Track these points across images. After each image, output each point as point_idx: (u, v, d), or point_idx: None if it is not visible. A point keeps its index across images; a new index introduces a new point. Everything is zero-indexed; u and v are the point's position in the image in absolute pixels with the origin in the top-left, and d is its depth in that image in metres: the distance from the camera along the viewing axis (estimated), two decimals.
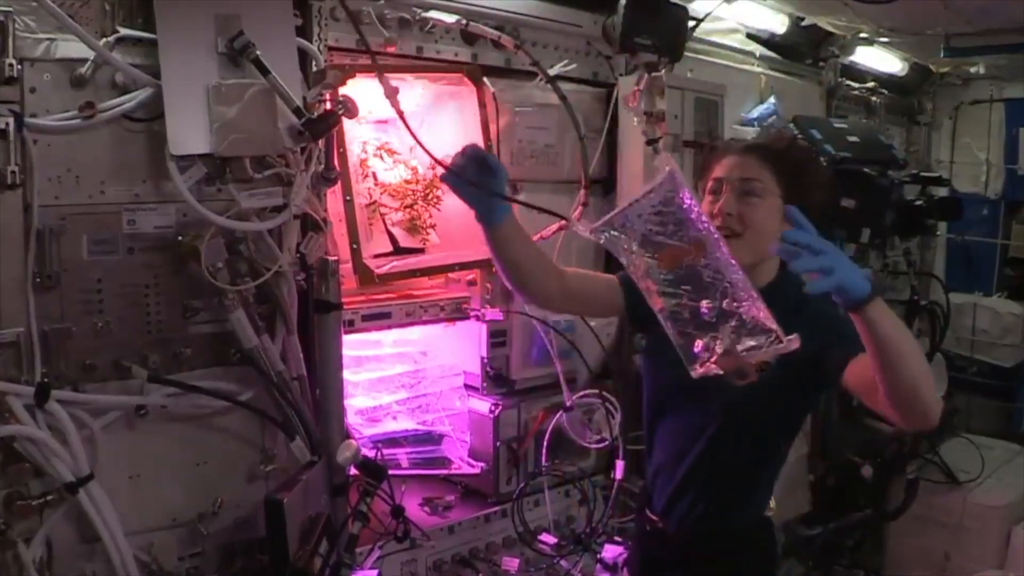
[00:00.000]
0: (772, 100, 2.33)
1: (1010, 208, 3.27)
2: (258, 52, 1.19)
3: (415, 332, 1.66)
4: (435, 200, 1.66)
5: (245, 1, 1.21)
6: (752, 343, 0.97)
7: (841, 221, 2.29)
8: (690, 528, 1.29)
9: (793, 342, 0.94)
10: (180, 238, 1.22)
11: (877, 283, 1.01)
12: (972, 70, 3.07)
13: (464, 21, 1.57)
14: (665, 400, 1.31)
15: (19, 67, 1.07)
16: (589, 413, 1.76)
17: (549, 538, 1.67)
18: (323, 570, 1.26)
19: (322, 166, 1.33)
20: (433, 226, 1.66)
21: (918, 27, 2.51)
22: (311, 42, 1.33)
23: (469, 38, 1.60)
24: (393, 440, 1.65)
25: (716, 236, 1.00)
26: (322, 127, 1.24)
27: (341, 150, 1.44)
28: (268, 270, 1.26)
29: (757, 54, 2.39)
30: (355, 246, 1.45)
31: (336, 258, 1.36)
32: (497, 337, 1.69)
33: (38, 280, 1.11)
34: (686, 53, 1.84)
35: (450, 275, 1.66)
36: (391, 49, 1.47)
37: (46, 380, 1.10)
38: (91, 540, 1.15)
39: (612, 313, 1.36)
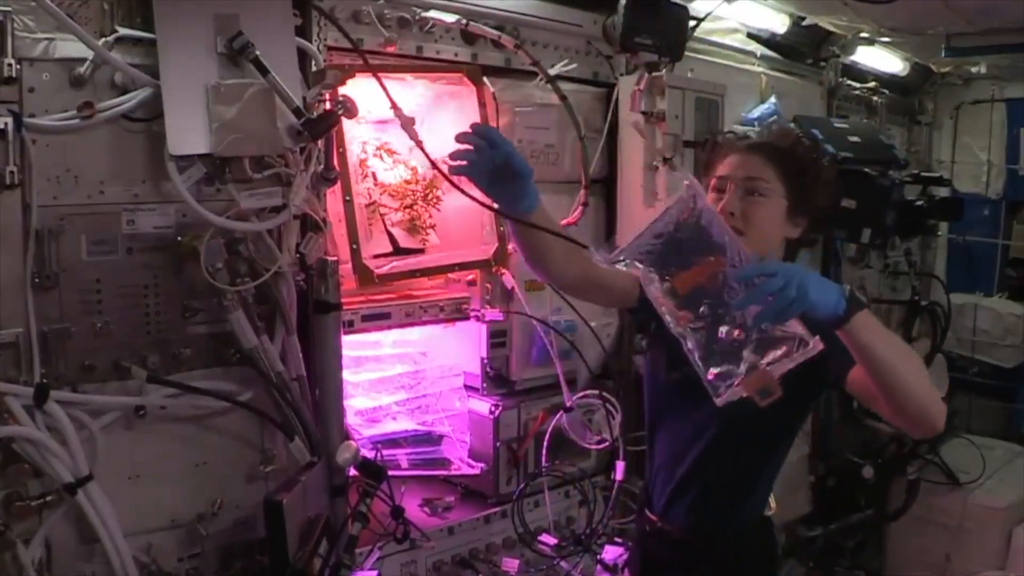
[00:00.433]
0: (773, 100, 2.33)
1: (1011, 208, 3.26)
2: (257, 52, 1.19)
3: (415, 332, 1.66)
4: (435, 200, 1.65)
5: (244, 1, 1.21)
6: (777, 353, 0.94)
7: (842, 221, 2.29)
8: (690, 529, 1.29)
9: (818, 343, 0.92)
10: (179, 238, 1.22)
11: (855, 298, 0.97)
12: (973, 70, 3.06)
13: (464, 21, 1.57)
14: (665, 401, 1.31)
15: (18, 67, 1.07)
16: (589, 414, 1.76)
17: (549, 539, 1.67)
18: (323, 571, 1.25)
19: (322, 166, 1.33)
20: (433, 226, 1.66)
21: (919, 27, 2.50)
22: (310, 42, 1.33)
23: (469, 38, 1.60)
24: (393, 441, 1.65)
25: (734, 239, 0.98)
26: (321, 127, 1.24)
27: (341, 150, 1.44)
28: (267, 270, 1.26)
29: (758, 54, 2.38)
30: (355, 246, 1.45)
31: (336, 258, 1.36)
32: (497, 337, 1.69)
33: (37, 280, 1.11)
34: (686, 53, 1.84)
35: (450, 275, 1.66)
36: (391, 49, 1.47)
37: (45, 381, 1.10)
38: (90, 541, 1.15)
39: (623, 304, 1.35)
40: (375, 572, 1.43)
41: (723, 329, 0.97)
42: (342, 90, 1.31)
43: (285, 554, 1.18)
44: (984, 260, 3.28)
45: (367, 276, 1.45)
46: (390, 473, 1.40)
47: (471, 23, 1.57)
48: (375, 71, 1.25)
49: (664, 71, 1.76)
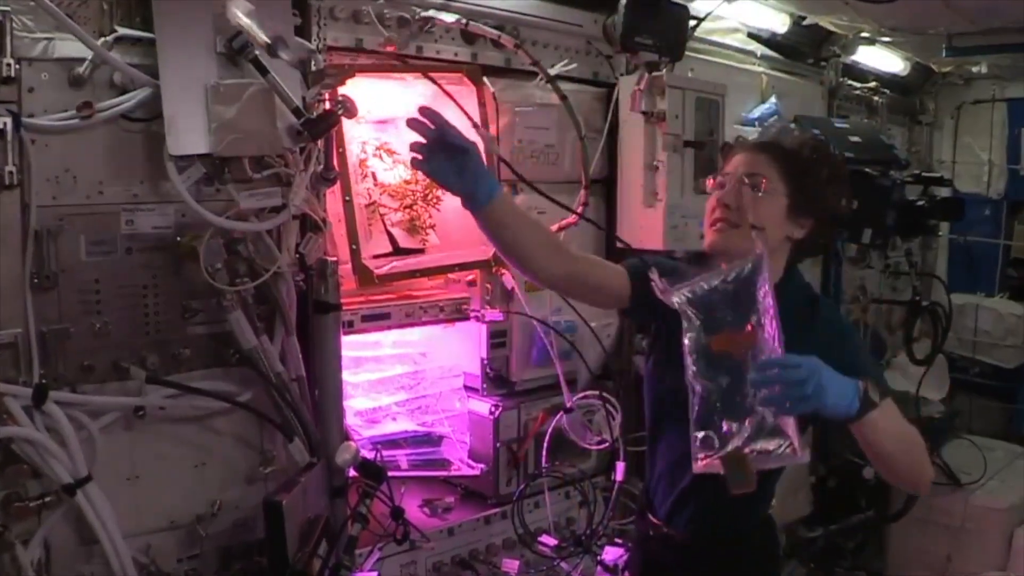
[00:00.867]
0: (773, 100, 2.32)
1: (1012, 208, 3.26)
2: (257, 52, 1.18)
3: (415, 333, 1.66)
4: (435, 200, 1.65)
5: (244, 1, 1.20)
6: (765, 446, 0.97)
7: (843, 221, 2.28)
8: (693, 534, 1.28)
9: (805, 456, 0.97)
10: (179, 238, 1.22)
11: (868, 399, 1.00)
12: (974, 70, 3.05)
13: (464, 20, 1.56)
14: (667, 407, 1.30)
15: (17, 67, 1.07)
16: (589, 414, 1.76)
17: (549, 540, 1.66)
18: (322, 572, 1.25)
19: (321, 166, 1.33)
20: (433, 226, 1.65)
21: (920, 26, 2.50)
22: (310, 42, 1.33)
23: (469, 37, 1.60)
24: (392, 441, 1.64)
25: (777, 323, 0.99)
26: (321, 127, 1.24)
27: (340, 150, 1.43)
28: (267, 271, 1.26)
29: (758, 54, 2.38)
30: (354, 247, 1.45)
31: (335, 259, 1.36)
32: (497, 338, 1.69)
33: (36, 281, 1.11)
34: (687, 53, 1.83)
35: (450, 276, 1.65)
36: (390, 49, 1.47)
37: (44, 381, 1.10)
38: (89, 542, 1.15)
39: (616, 304, 1.32)
40: (375, 573, 1.42)
41: (729, 400, 0.99)
42: (341, 90, 1.30)
43: (284, 555, 1.18)
44: (985, 260, 3.28)
45: (367, 276, 1.45)
46: (390, 474, 1.40)
47: (471, 23, 1.57)
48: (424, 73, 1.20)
49: (664, 71, 1.76)
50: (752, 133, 2.21)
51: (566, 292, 1.41)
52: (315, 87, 1.29)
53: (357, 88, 1.36)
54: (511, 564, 1.64)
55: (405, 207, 1.63)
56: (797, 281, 1.29)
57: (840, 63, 2.67)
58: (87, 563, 1.16)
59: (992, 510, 2.63)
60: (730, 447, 0.99)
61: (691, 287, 1.04)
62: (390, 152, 1.65)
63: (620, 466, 1.74)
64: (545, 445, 1.70)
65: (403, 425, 1.65)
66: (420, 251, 1.62)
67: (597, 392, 1.73)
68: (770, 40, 2.43)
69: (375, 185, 1.61)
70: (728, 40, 2.26)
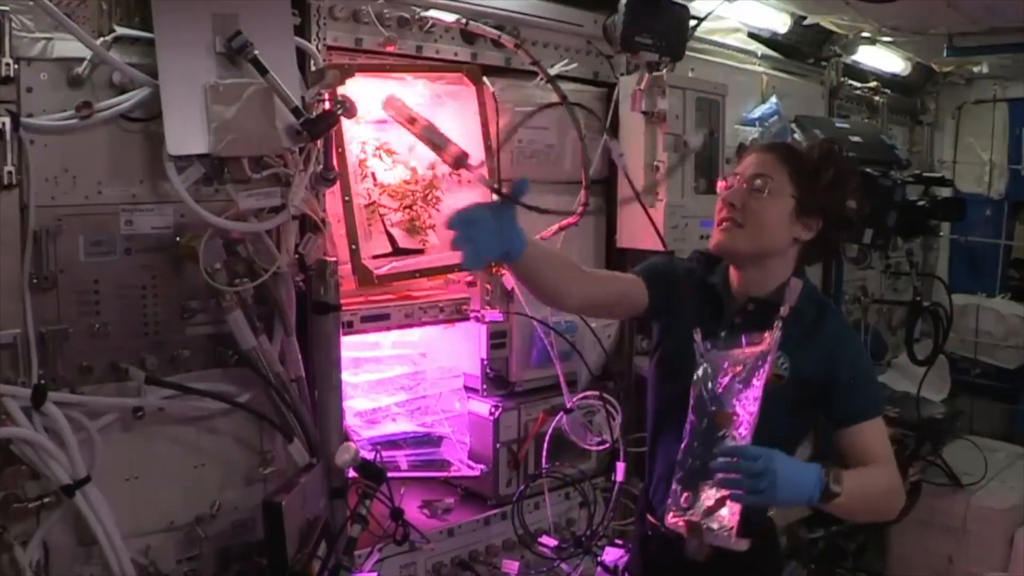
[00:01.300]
0: (774, 100, 2.32)
1: (1014, 209, 3.25)
2: (256, 51, 1.18)
3: (414, 333, 1.66)
4: (434, 201, 1.65)
5: (243, 0, 1.20)
6: (710, 524, 1.09)
7: (851, 224, 2.27)
8: None
9: (741, 545, 1.06)
10: (178, 239, 1.22)
11: (829, 492, 1.06)
12: (975, 70, 3.05)
13: (464, 20, 1.56)
14: (669, 410, 1.30)
15: (15, 66, 1.07)
16: (590, 415, 1.76)
17: (549, 541, 1.66)
18: (322, 573, 1.25)
19: (321, 166, 1.32)
20: (432, 227, 1.65)
21: (921, 26, 2.49)
22: (309, 41, 1.33)
23: (469, 37, 1.59)
24: (392, 442, 1.64)
25: (751, 421, 1.09)
26: (321, 127, 1.23)
27: (340, 150, 1.43)
28: (266, 271, 1.25)
29: (759, 53, 2.38)
30: (354, 247, 1.44)
31: (335, 259, 1.36)
32: (497, 338, 1.68)
33: (35, 281, 1.11)
34: (687, 52, 1.83)
35: (449, 276, 1.65)
36: (390, 48, 1.46)
37: (43, 382, 1.10)
38: (88, 543, 1.15)
39: (635, 313, 1.34)
40: (374, 574, 1.42)
41: (702, 461, 1.11)
42: (341, 90, 1.30)
43: (284, 556, 1.18)
44: (986, 261, 3.27)
45: (366, 277, 1.45)
46: (389, 475, 1.39)
47: (471, 22, 1.57)
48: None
49: (665, 71, 1.75)
50: (753, 133, 2.20)
51: (591, 313, 1.48)
52: (314, 87, 1.29)
53: (357, 88, 1.35)
54: (511, 565, 1.63)
55: (405, 207, 1.62)
56: (807, 291, 1.26)
57: (841, 63, 2.66)
58: (86, 564, 1.16)
59: (993, 511, 2.62)
60: (689, 514, 1.11)
61: (729, 353, 1.15)
62: (390, 152, 1.64)
63: (620, 467, 1.73)
64: (545, 446, 1.69)
65: (403, 426, 1.65)
66: (420, 251, 1.62)
67: (597, 393, 1.72)
68: (771, 40, 2.42)
69: (375, 185, 1.61)
70: (729, 40, 2.26)
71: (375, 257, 1.53)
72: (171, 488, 1.24)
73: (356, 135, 1.59)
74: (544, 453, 1.69)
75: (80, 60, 1.12)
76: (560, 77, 1.67)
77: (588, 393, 1.74)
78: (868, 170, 2.37)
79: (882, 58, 2.85)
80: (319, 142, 1.29)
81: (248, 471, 1.32)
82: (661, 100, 1.74)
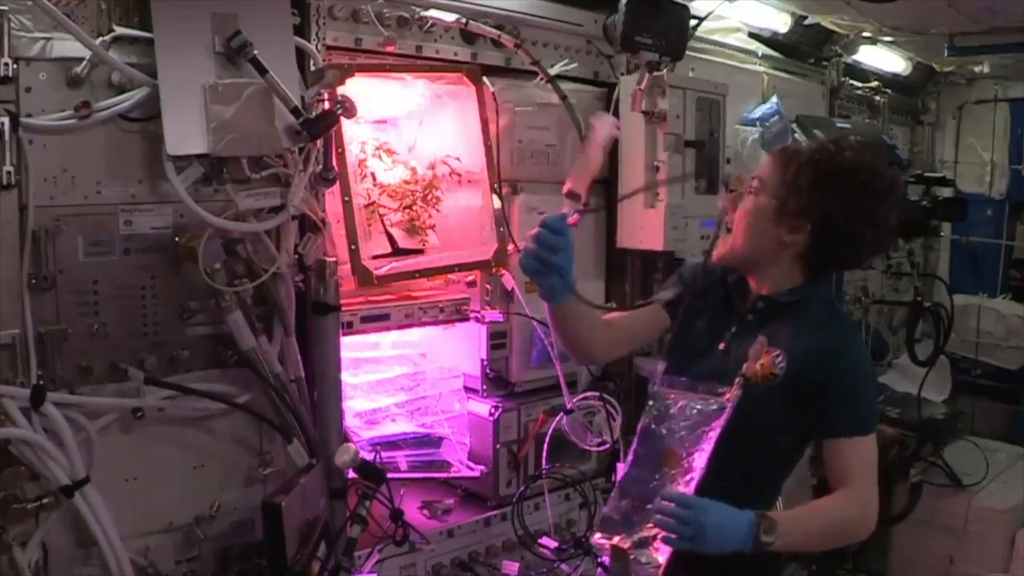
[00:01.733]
0: (774, 100, 2.31)
1: (1015, 209, 3.24)
2: (256, 51, 1.18)
3: (414, 334, 1.65)
4: (434, 201, 1.65)
5: (242, 0, 1.20)
6: (639, 557, 1.11)
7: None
8: None
9: None
10: (177, 239, 1.21)
11: (759, 543, 1.09)
12: (976, 69, 3.04)
13: (464, 20, 1.56)
14: None
15: (14, 66, 1.06)
16: (590, 415, 1.75)
17: (549, 542, 1.66)
18: (321, 574, 1.25)
19: (320, 166, 1.32)
20: (432, 227, 1.65)
21: (922, 26, 2.49)
22: (309, 41, 1.32)
23: (469, 37, 1.59)
24: (392, 443, 1.63)
25: (697, 473, 1.13)
26: (320, 127, 1.23)
27: (339, 150, 1.43)
28: (266, 271, 1.25)
29: (759, 53, 2.37)
30: (353, 247, 1.44)
31: (334, 259, 1.36)
32: (497, 339, 1.68)
33: (34, 281, 1.10)
34: (688, 52, 1.83)
35: (449, 276, 1.65)
36: (390, 48, 1.46)
37: (41, 382, 1.09)
38: (87, 544, 1.15)
39: (660, 334, 1.40)
40: (374, 575, 1.42)
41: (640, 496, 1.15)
42: (341, 89, 1.30)
43: (283, 557, 1.18)
44: (987, 261, 3.26)
45: (366, 277, 1.45)
46: (389, 475, 1.39)
47: (471, 22, 1.56)
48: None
49: (665, 71, 1.75)
50: (753, 133, 2.20)
51: (622, 355, 1.55)
52: (314, 87, 1.29)
53: (356, 88, 1.35)
54: (511, 566, 1.63)
55: (404, 207, 1.62)
56: (813, 293, 1.24)
57: (842, 63, 2.66)
58: (85, 565, 1.16)
59: (994, 512, 2.62)
60: (619, 539, 1.13)
61: (671, 383, 1.20)
62: (389, 152, 1.64)
63: (620, 468, 1.73)
64: (545, 446, 1.69)
65: (402, 426, 1.64)
66: (420, 252, 1.61)
67: (597, 393, 1.72)
68: (771, 40, 2.42)
69: (374, 185, 1.61)
70: (729, 40, 2.25)
71: (375, 257, 1.53)
72: (170, 489, 1.24)
73: (356, 135, 1.59)
74: (544, 454, 1.69)
75: (79, 60, 1.11)
76: (560, 77, 1.67)
77: (588, 394, 1.73)
78: None
79: (883, 58, 2.84)
80: (319, 142, 1.28)
81: (247, 472, 1.32)
82: (661, 100, 1.74)
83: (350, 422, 1.54)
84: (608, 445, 1.74)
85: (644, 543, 1.11)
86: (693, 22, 1.89)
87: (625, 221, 1.85)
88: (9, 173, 1.06)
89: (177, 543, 1.25)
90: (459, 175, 1.67)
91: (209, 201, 1.22)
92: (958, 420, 3.00)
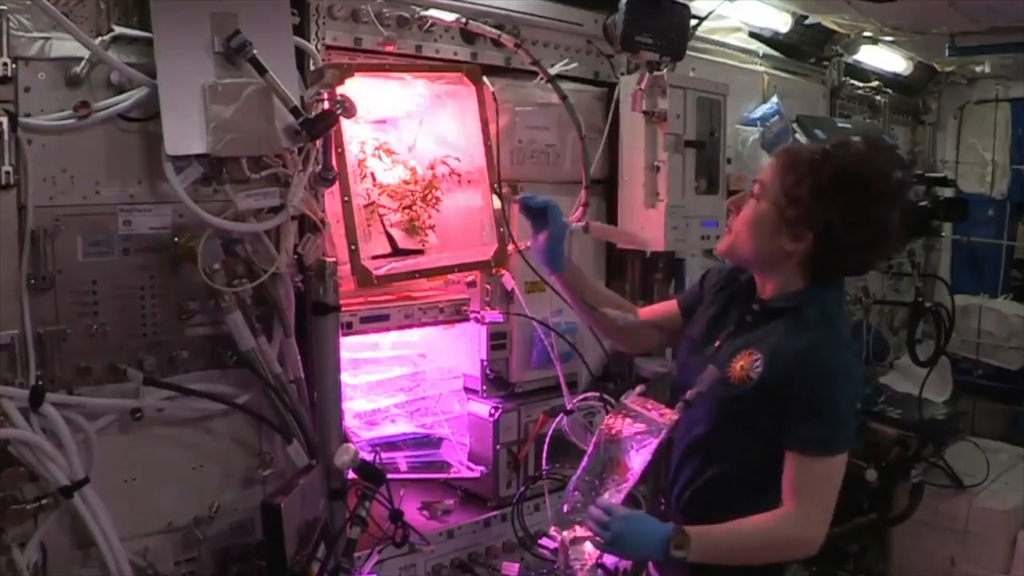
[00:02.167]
0: (775, 100, 2.31)
1: (1016, 209, 3.23)
2: (255, 51, 1.18)
3: (414, 334, 1.65)
4: (434, 201, 1.64)
5: (242, 0, 1.20)
6: (572, 555, 1.24)
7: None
8: (684, 513, 1.27)
9: None
10: (176, 239, 1.21)
11: (671, 559, 1.14)
12: (978, 69, 3.04)
13: (464, 20, 1.56)
14: (680, 388, 1.33)
15: (13, 66, 1.06)
16: (590, 416, 1.74)
17: (549, 543, 1.65)
18: (321, 575, 1.24)
19: (320, 166, 1.32)
20: (432, 227, 1.64)
21: (923, 26, 2.49)
22: (309, 41, 1.32)
23: (469, 37, 1.59)
24: (392, 444, 1.63)
25: (628, 485, 1.24)
26: (320, 127, 1.23)
27: (339, 150, 1.43)
28: (265, 271, 1.25)
29: (760, 53, 2.37)
30: (353, 247, 1.44)
31: (334, 259, 1.35)
32: (497, 339, 1.68)
33: (32, 282, 1.10)
34: (688, 52, 1.82)
35: (449, 277, 1.64)
36: (390, 48, 1.46)
37: (40, 383, 1.09)
38: (86, 545, 1.14)
39: (676, 329, 1.44)
40: None
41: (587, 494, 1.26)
42: (340, 89, 1.29)
43: (283, 558, 1.17)
44: (989, 261, 3.25)
45: (366, 277, 1.44)
46: (389, 476, 1.38)
47: (471, 22, 1.56)
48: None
49: (665, 70, 1.75)
50: (754, 133, 2.20)
51: (651, 344, 1.60)
52: (313, 87, 1.29)
53: (356, 88, 1.35)
54: (511, 567, 1.63)
55: (404, 208, 1.62)
56: (812, 299, 1.20)
57: (842, 62, 2.65)
58: (84, 566, 1.15)
59: (996, 512, 2.61)
60: (567, 537, 1.24)
61: (635, 412, 1.29)
62: (389, 152, 1.64)
63: None
64: (545, 447, 1.68)
65: (402, 427, 1.64)
66: (419, 252, 1.61)
67: (598, 394, 1.71)
68: (772, 39, 2.42)
69: (374, 185, 1.60)
70: (730, 39, 2.25)
71: (374, 257, 1.52)
72: (169, 490, 1.24)
73: (355, 135, 1.59)
74: (544, 454, 1.69)
75: (78, 60, 1.11)
76: (560, 77, 1.67)
77: (588, 394, 1.73)
78: None
79: (884, 58, 2.84)
80: (318, 142, 1.28)
81: (247, 472, 1.31)
82: (662, 100, 1.74)
83: (350, 423, 1.53)
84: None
85: (577, 542, 1.24)
86: (693, 22, 1.89)
87: (625, 221, 1.85)
88: (8, 173, 1.06)
89: (176, 544, 1.25)
90: (459, 175, 1.66)
91: (208, 201, 1.21)
92: (959, 421, 2.99)
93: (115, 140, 1.16)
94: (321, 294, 1.33)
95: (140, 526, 1.21)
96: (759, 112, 2.29)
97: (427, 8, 1.50)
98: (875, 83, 2.89)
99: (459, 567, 1.60)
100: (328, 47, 1.37)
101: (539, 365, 1.73)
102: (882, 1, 2.02)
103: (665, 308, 1.47)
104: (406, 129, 1.70)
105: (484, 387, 1.70)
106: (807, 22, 2.42)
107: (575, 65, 1.71)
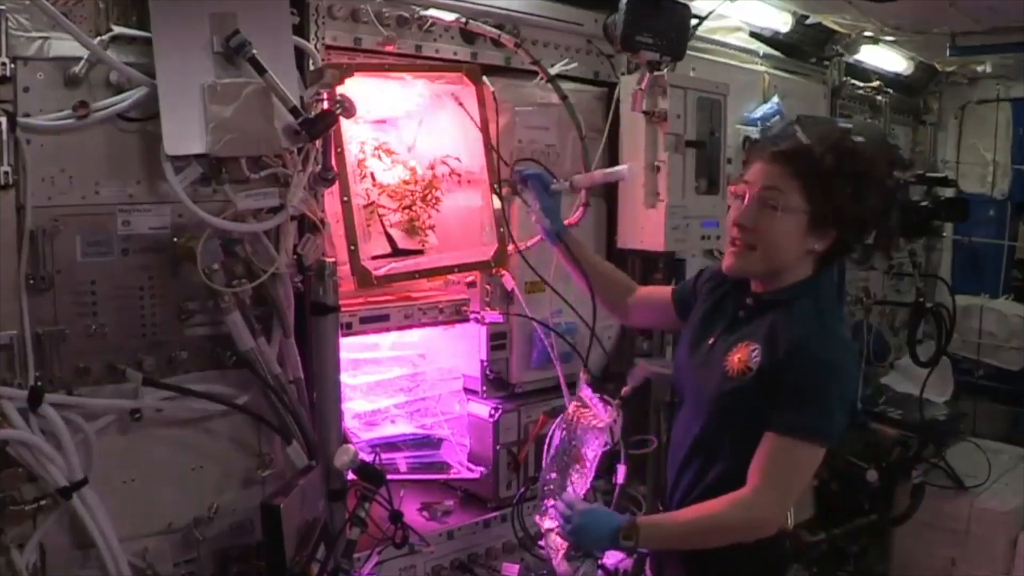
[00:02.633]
0: (776, 99, 2.31)
1: (1017, 209, 3.23)
2: (254, 51, 1.18)
3: (414, 335, 1.65)
4: (434, 201, 1.64)
5: (241, 0, 1.20)
6: (544, 543, 1.36)
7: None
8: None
9: (562, 566, 1.30)
10: (175, 239, 1.21)
11: (623, 546, 1.22)
12: (979, 69, 3.03)
13: (463, 19, 1.55)
14: (678, 385, 1.36)
15: (12, 66, 1.06)
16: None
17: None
18: None
19: (319, 166, 1.32)
20: (432, 227, 1.64)
21: (924, 26, 2.48)
22: (308, 40, 1.32)
23: (468, 37, 1.59)
24: (391, 444, 1.63)
25: (587, 480, 1.40)
26: (319, 127, 1.23)
27: (339, 150, 1.42)
28: (265, 272, 1.25)
29: (760, 53, 2.37)
30: (353, 247, 1.44)
31: (334, 260, 1.35)
32: (497, 340, 1.68)
33: (31, 282, 1.10)
34: (688, 52, 1.82)
35: (449, 277, 1.64)
36: (389, 48, 1.46)
37: (39, 383, 1.09)
38: (85, 546, 1.14)
39: (675, 314, 1.46)
40: None
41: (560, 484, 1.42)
42: (340, 89, 1.29)
43: (282, 559, 1.17)
44: (989, 261, 3.25)
45: (365, 277, 1.44)
46: (389, 477, 1.38)
47: (470, 22, 1.56)
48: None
49: (666, 70, 1.74)
50: (754, 133, 2.19)
51: (645, 321, 1.65)
52: (313, 86, 1.28)
53: (356, 87, 1.35)
54: (511, 568, 1.62)
55: (404, 208, 1.62)
56: (806, 290, 1.22)
57: (843, 62, 2.65)
58: (83, 567, 1.15)
59: (997, 513, 2.61)
60: (544, 524, 1.37)
61: (591, 404, 1.42)
62: (389, 152, 1.64)
63: (621, 469, 1.71)
64: (545, 448, 1.68)
65: (402, 428, 1.64)
66: (419, 252, 1.61)
67: (598, 395, 1.71)
68: (772, 39, 2.41)
69: (374, 185, 1.60)
70: (730, 39, 2.25)
71: (374, 258, 1.52)
72: (169, 490, 1.24)
73: (355, 135, 1.58)
74: (544, 455, 1.68)
75: (77, 59, 1.11)
76: (560, 76, 1.66)
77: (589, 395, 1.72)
78: None
79: (884, 57, 2.84)
80: (318, 142, 1.28)
81: (246, 473, 1.31)
82: (662, 100, 1.73)
83: (349, 423, 1.53)
84: (608, 447, 1.73)
85: (548, 533, 1.34)
86: (694, 21, 1.89)
87: (626, 221, 1.84)
88: (7, 173, 1.06)
89: (175, 545, 1.24)
90: (459, 175, 1.66)
91: (208, 201, 1.21)
92: (960, 421, 2.99)
93: (114, 140, 1.16)
94: (321, 294, 1.33)
95: (139, 527, 1.21)
96: (760, 112, 2.29)
97: (427, 8, 1.50)
98: (876, 83, 2.89)
99: (459, 568, 1.60)
100: (328, 47, 1.37)
101: (539, 365, 1.73)
102: (883, 1, 2.02)
103: (660, 291, 1.53)
104: (406, 129, 1.70)
105: (484, 388, 1.70)
106: (808, 22, 2.42)
107: (575, 65, 1.71)
